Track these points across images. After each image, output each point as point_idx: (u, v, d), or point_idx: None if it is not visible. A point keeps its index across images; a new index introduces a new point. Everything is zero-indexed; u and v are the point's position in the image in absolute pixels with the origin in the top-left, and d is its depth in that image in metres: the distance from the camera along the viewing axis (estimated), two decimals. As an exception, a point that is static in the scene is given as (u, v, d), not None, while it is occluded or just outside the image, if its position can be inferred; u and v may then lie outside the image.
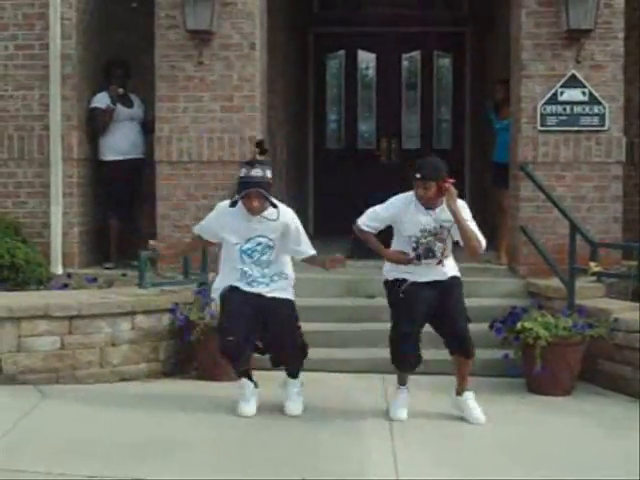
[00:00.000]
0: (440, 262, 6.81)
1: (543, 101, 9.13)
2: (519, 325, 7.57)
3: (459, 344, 6.81)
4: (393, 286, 6.87)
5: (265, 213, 6.79)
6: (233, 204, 6.77)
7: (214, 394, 7.38)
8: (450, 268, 6.91)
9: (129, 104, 9.99)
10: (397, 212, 6.82)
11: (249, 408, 6.85)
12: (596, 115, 9.14)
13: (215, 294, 7.05)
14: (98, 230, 10.09)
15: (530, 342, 7.40)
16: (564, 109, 9.14)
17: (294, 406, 6.90)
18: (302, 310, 8.49)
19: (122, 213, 9.98)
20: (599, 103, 9.13)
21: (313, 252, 7.02)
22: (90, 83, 9.92)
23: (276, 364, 7.08)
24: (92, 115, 9.83)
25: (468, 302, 8.55)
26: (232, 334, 6.67)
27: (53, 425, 6.56)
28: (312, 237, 7.20)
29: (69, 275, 9.27)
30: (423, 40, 13.71)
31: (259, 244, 6.82)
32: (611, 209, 9.22)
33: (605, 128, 9.16)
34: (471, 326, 7.99)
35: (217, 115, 9.29)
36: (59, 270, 9.48)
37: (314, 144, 13.95)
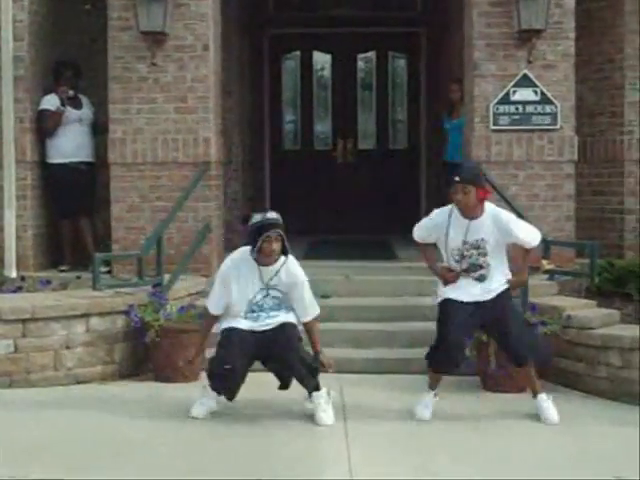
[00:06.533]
0: (485, 278, 6.69)
1: (496, 101, 9.21)
2: (473, 323, 7.59)
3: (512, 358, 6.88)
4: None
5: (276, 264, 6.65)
6: (253, 249, 6.55)
7: (169, 395, 7.37)
8: (499, 284, 6.74)
9: (78, 106, 9.88)
10: (440, 221, 6.71)
11: (201, 410, 6.79)
12: (548, 114, 9.22)
13: None
14: (53, 233, 10.01)
15: (484, 340, 7.44)
16: (516, 108, 9.21)
17: (325, 415, 6.69)
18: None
19: (73, 216, 9.90)
20: (551, 102, 9.21)
21: (318, 311, 6.93)
22: (43, 85, 9.84)
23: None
24: (41, 117, 9.72)
25: (421, 301, 8.65)
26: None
27: (7, 429, 6.50)
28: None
29: (23, 278, 9.21)
30: (378, 41, 13.76)
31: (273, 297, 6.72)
32: (564, 207, 9.30)
33: (557, 127, 9.25)
34: (425, 325, 8.06)
35: (171, 116, 9.27)
36: (13, 273, 9.40)
37: (270, 145, 13.93)
